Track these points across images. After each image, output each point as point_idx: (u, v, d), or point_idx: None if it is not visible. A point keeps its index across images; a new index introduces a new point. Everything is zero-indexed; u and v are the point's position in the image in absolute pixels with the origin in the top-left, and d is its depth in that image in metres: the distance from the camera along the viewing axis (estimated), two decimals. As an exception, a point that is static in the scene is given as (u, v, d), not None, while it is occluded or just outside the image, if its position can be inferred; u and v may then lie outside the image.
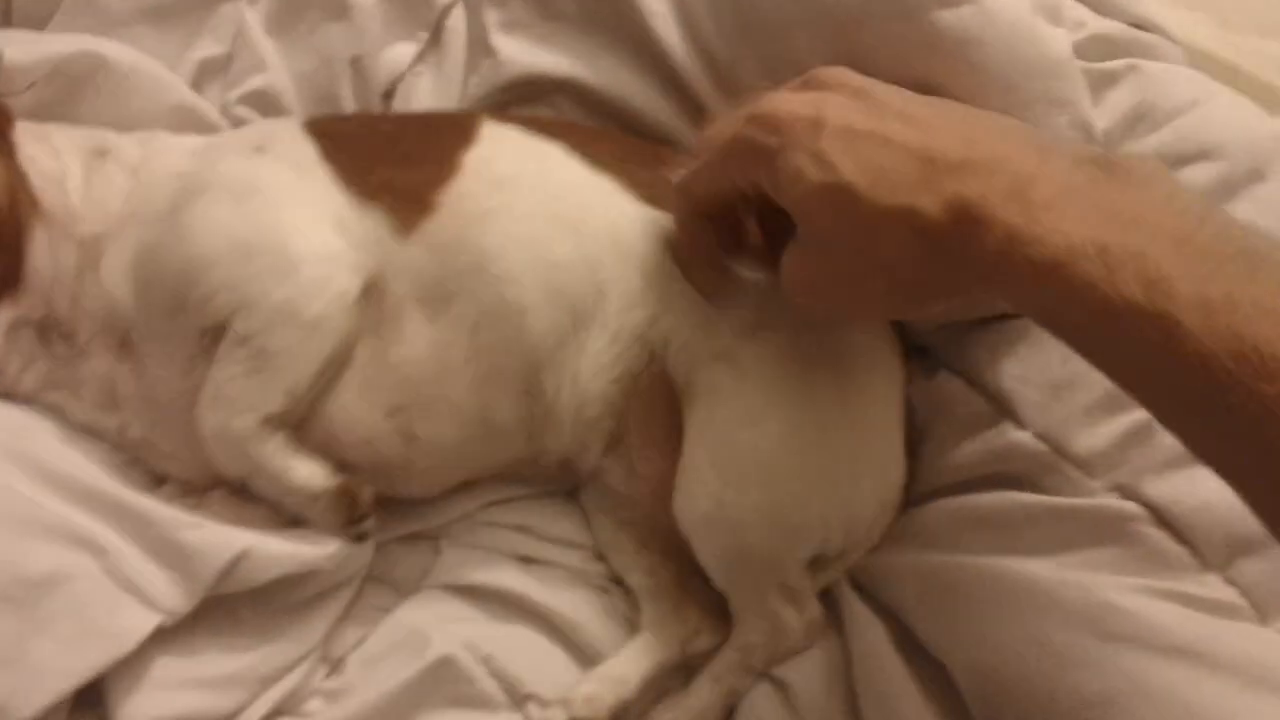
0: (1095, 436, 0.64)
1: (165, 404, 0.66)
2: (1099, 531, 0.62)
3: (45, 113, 0.73)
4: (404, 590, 0.70)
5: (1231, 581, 0.60)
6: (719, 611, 0.67)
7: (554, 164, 0.68)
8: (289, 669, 0.65)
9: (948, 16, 0.66)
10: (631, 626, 0.69)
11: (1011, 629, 0.59)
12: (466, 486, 0.71)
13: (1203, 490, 0.60)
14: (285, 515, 0.66)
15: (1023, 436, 0.66)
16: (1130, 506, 0.62)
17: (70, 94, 0.74)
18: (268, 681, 0.64)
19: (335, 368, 0.65)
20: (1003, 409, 0.67)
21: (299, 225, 0.64)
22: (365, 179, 0.66)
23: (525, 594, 0.68)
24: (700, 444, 0.65)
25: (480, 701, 0.65)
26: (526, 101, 0.78)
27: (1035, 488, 0.65)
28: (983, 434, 0.67)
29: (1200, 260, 0.42)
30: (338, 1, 0.78)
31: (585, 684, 0.65)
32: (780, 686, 0.66)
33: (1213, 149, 0.67)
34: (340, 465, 0.66)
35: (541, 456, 0.70)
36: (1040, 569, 0.61)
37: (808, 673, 0.66)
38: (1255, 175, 0.67)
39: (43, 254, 0.66)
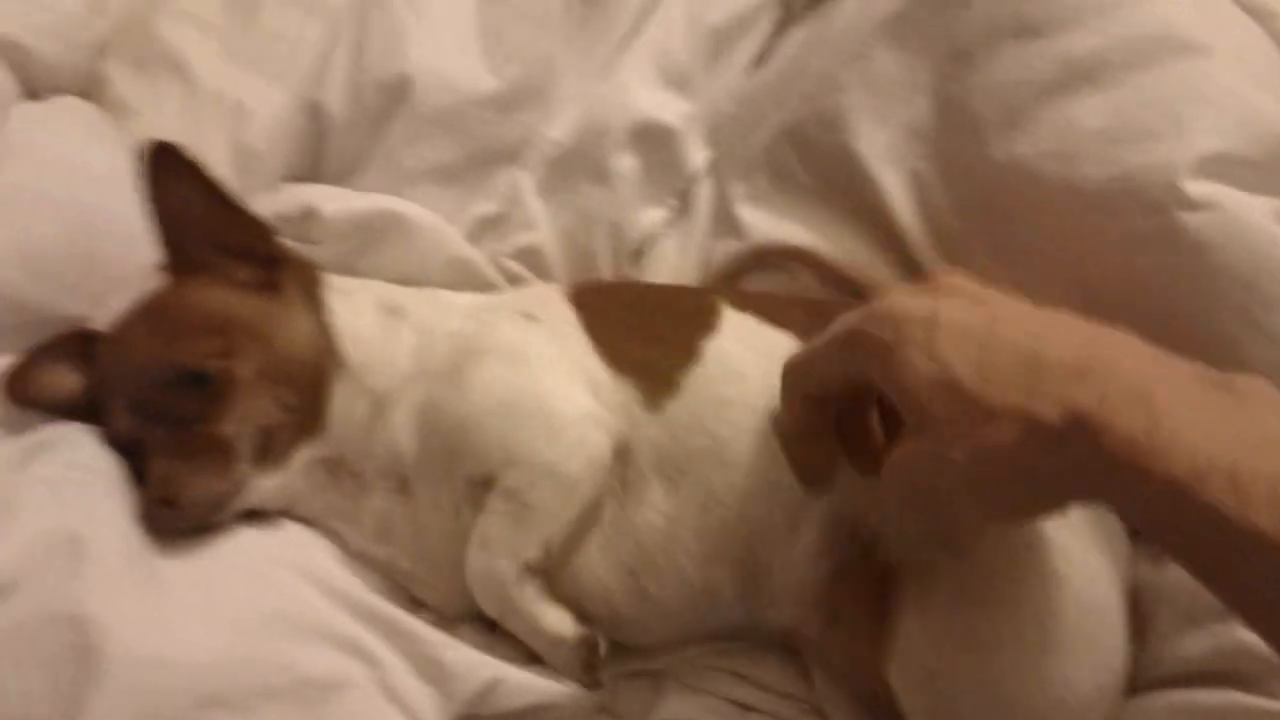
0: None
1: (433, 542, 0.72)
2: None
3: (340, 262, 0.82)
4: (627, 724, 0.73)
5: None
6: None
7: (784, 355, 0.69)
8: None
9: (1191, 219, 0.67)
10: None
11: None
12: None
13: None
14: (527, 654, 0.70)
15: (1252, 637, 0.63)
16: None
17: (366, 246, 0.83)
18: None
19: (586, 523, 0.70)
20: (1232, 605, 0.66)
21: (562, 391, 0.70)
22: (621, 353, 0.73)
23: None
24: (915, 617, 0.65)
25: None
26: (766, 268, 0.84)
27: (1262, 691, 0.63)
28: (1210, 628, 0.66)
29: None
30: (600, 168, 0.86)
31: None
32: None
33: None
34: (581, 614, 0.70)
35: (763, 625, 0.73)
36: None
37: None
38: None
39: (341, 403, 0.73)
